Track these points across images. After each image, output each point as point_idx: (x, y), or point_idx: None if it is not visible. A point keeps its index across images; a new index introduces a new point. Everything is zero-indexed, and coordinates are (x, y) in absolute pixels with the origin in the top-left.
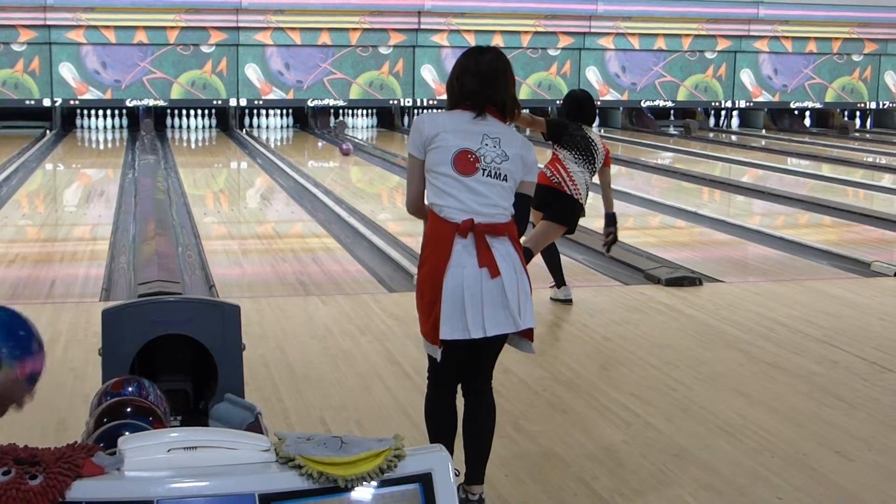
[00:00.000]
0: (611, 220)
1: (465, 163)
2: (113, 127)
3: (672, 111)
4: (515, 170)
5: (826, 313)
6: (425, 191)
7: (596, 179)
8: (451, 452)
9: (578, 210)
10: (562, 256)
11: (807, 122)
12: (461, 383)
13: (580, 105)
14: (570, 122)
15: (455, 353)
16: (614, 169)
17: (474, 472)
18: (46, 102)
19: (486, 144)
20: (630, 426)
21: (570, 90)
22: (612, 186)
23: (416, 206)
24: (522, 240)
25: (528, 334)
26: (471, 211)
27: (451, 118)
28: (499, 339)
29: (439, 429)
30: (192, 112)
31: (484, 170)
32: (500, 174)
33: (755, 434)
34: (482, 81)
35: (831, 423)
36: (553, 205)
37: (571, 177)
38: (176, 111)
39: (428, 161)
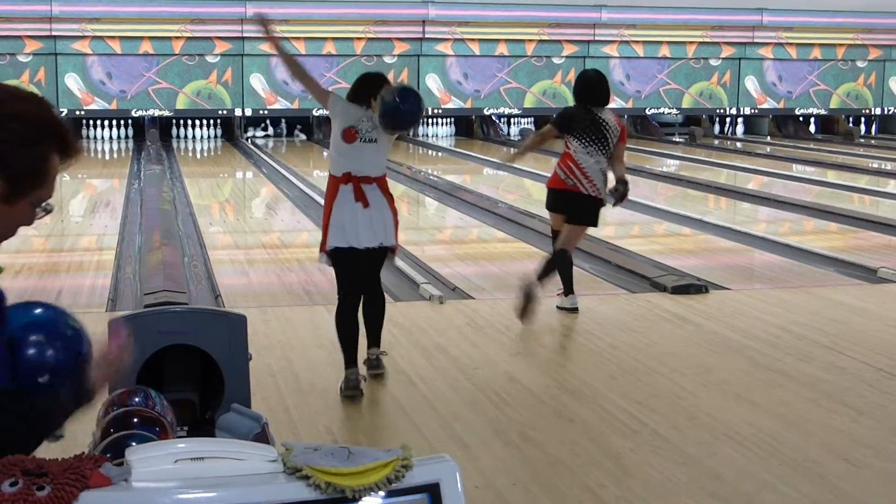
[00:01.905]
0: (622, 181)
1: (349, 135)
2: (118, 137)
3: (677, 123)
4: (383, 136)
5: (833, 320)
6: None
7: None
8: (355, 358)
9: (599, 205)
10: None
11: (812, 128)
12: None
13: (591, 87)
14: (579, 107)
15: (342, 259)
16: None
17: (372, 338)
18: None
19: (363, 121)
20: (637, 434)
21: (583, 70)
22: None
23: (315, 88)
24: (557, 243)
25: (392, 251)
26: (350, 168)
27: (350, 106)
28: (374, 254)
29: (346, 335)
30: (197, 122)
31: (361, 138)
32: (372, 139)
33: (762, 441)
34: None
35: (839, 431)
36: (573, 208)
37: (585, 173)
38: (181, 121)
39: (332, 126)
